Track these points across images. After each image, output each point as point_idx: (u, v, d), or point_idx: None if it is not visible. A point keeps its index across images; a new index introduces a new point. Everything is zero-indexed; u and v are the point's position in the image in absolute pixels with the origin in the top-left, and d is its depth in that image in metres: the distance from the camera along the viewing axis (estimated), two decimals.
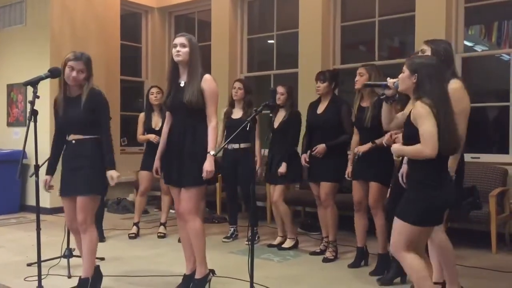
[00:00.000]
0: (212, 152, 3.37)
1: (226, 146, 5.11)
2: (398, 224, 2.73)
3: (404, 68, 2.78)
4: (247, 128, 3.32)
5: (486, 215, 4.69)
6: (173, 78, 3.55)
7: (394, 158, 3.74)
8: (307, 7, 6.60)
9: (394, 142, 3.60)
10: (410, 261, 2.71)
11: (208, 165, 3.37)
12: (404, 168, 3.13)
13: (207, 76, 3.48)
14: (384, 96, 3.05)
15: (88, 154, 3.31)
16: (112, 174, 3.31)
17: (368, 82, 3.85)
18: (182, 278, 3.62)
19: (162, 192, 5.63)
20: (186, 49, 3.44)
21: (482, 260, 4.43)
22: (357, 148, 4.18)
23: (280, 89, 4.92)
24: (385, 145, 3.68)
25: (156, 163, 3.68)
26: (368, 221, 4.32)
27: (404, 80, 2.77)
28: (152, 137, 5.40)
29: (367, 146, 4.11)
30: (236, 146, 5.16)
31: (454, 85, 3.02)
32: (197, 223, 3.50)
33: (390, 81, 2.99)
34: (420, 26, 5.70)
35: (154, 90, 5.60)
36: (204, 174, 3.37)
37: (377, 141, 4.02)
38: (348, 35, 6.74)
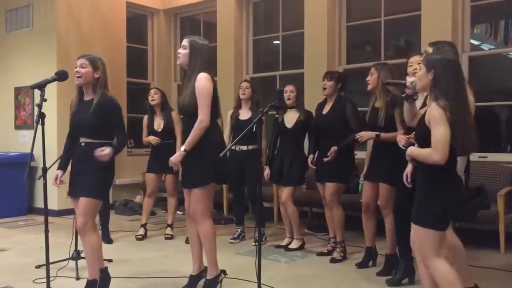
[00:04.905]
0: (182, 148, 3.39)
1: (233, 147, 5.11)
2: (419, 232, 2.64)
3: (421, 65, 2.75)
4: (253, 130, 3.30)
5: (494, 214, 4.66)
6: (183, 80, 3.56)
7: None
8: (312, 7, 6.59)
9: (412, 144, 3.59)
10: (440, 267, 2.59)
11: (173, 158, 3.47)
12: (409, 168, 3.11)
13: (200, 75, 3.36)
14: (405, 95, 3.04)
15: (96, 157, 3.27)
16: (105, 149, 3.21)
17: (389, 80, 3.79)
18: (188, 279, 3.63)
19: (168, 194, 5.65)
20: (185, 51, 3.44)
21: (491, 260, 4.40)
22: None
23: (289, 87, 4.89)
24: (402, 147, 3.66)
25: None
26: (376, 222, 4.28)
27: (421, 78, 2.69)
28: (151, 139, 5.46)
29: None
30: (244, 147, 5.15)
31: None
32: (207, 225, 3.49)
33: (408, 80, 2.99)
34: (426, 26, 5.67)
35: (152, 91, 5.66)
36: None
37: (382, 135, 4.00)
38: (354, 35, 6.73)
